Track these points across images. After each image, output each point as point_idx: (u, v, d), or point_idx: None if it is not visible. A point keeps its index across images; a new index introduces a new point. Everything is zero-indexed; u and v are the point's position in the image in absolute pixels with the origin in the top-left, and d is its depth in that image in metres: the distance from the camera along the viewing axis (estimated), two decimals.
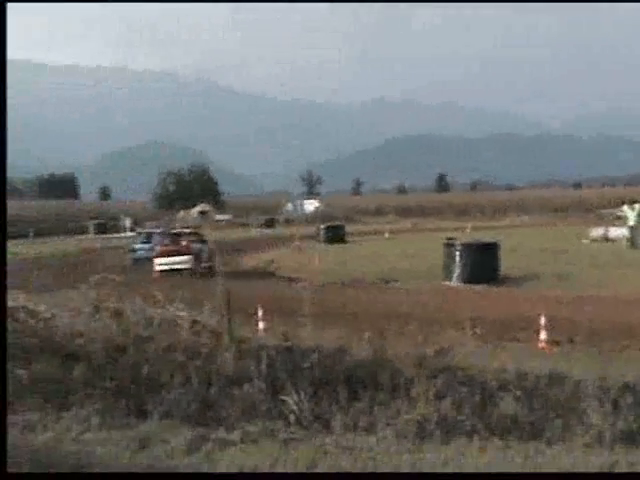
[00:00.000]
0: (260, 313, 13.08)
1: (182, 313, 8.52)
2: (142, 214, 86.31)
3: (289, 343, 7.93)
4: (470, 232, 45.50)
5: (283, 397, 6.16)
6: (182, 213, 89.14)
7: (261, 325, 12.68)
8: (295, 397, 6.08)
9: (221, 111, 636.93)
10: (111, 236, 63.61)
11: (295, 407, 6.01)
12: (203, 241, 28.87)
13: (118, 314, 8.39)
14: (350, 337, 11.50)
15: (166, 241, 28.93)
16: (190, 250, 26.21)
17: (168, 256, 25.79)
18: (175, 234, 30.14)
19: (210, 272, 23.34)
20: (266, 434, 5.64)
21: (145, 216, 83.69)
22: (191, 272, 24.50)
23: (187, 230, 33.57)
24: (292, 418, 5.94)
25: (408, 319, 14.28)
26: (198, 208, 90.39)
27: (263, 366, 6.60)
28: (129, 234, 61.12)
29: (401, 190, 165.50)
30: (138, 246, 32.31)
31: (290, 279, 23.24)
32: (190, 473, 5.15)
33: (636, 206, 31.33)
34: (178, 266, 24.88)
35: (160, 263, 25.52)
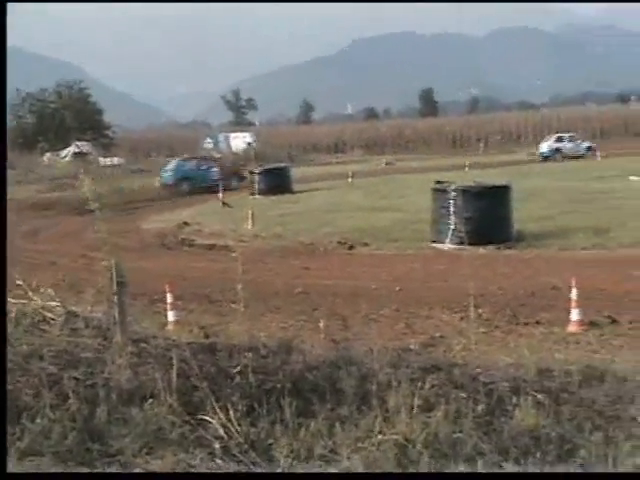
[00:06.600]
0: (169, 299, 13.07)
1: (52, 303, 8.44)
2: None
3: (211, 340, 7.92)
4: (469, 172, 45.85)
5: (203, 417, 6.17)
6: (48, 156, 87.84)
7: (171, 316, 12.68)
8: (221, 416, 6.08)
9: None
10: None
11: (221, 430, 6.02)
12: None
13: None
14: (299, 328, 11.64)
15: None
16: None
17: None
18: None
19: None
20: (180, 471, 5.65)
21: None
22: None
23: None
24: (217, 446, 5.95)
25: (382, 300, 14.47)
26: (73, 148, 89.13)
27: (173, 374, 6.56)
28: None
29: (370, 114, 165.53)
30: None
31: (211, 248, 23.26)
32: (191, 473, 5.50)
33: None
34: None
35: None
